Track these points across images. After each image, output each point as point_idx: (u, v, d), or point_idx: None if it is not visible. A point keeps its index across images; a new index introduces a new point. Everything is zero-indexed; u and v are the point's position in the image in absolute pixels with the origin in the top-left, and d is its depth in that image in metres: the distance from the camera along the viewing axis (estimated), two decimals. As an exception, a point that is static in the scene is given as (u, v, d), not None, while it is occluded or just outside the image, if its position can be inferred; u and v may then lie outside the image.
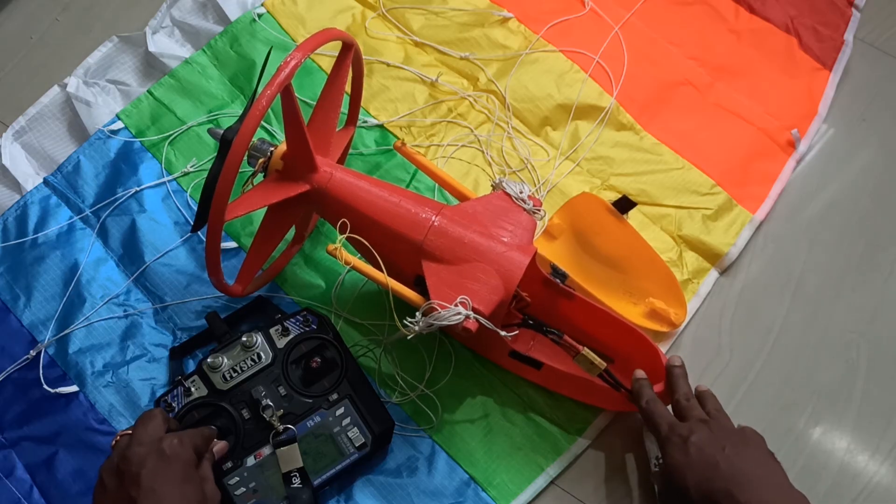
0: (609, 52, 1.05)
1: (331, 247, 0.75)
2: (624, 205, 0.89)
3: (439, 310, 0.70)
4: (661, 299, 0.87)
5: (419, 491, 0.81)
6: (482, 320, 0.70)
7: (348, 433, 0.77)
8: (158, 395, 0.83)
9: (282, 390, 0.78)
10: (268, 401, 0.77)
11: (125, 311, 0.88)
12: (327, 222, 0.85)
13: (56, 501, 0.80)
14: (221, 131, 0.77)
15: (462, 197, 0.83)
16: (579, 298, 0.82)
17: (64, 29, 1.09)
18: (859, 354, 0.89)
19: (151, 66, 1.03)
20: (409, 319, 0.72)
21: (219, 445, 0.74)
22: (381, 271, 0.74)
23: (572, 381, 0.81)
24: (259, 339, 0.80)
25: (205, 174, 0.93)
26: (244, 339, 0.79)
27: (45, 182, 0.95)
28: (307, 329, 0.81)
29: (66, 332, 0.87)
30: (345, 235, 0.75)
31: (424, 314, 0.71)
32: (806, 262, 0.95)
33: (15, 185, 0.95)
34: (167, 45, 1.04)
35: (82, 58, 1.02)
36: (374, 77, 1.02)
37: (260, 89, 0.71)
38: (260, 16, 1.04)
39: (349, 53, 0.80)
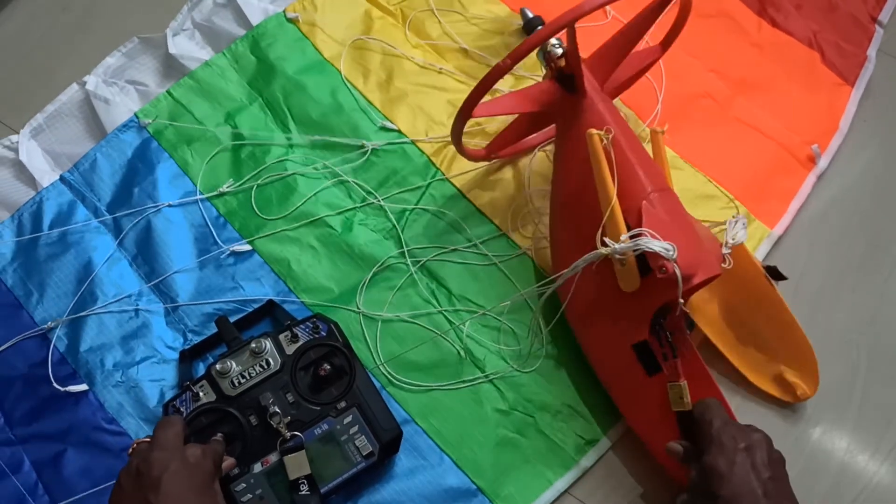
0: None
1: (592, 130, 0.77)
2: (774, 273, 0.87)
3: (649, 237, 0.71)
4: (794, 370, 0.85)
5: (426, 501, 0.80)
6: (678, 271, 0.71)
7: (356, 441, 0.77)
8: (167, 396, 0.83)
9: (290, 397, 0.78)
10: (275, 408, 0.77)
11: (137, 310, 0.88)
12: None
13: (60, 498, 0.80)
14: (531, 14, 0.88)
15: None
16: (694, 351, 0.80)
17: (64, 29, 1.09)
18: (859, 354, 0.89)
19: (171, 67, 1.03)
20: (609, 241, 0.73)
21: (227, 462, 0.73)
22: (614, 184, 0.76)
23: (659, 416, 0.79)
24: (268, 344, 0.79)
25: (237, 195, 0.95)
26: (253, 344, 0.79)
27: (62, 179, 0.95)
28: (316, 336, 0.80)
29: (79, 315, 0.87)
30: (612, 134, 0.77)
31: (632, 238, 0.72)
32: (806, 262, 0.95)
33: (31, 181, 0.95)
34: (187, 47, 1.04)
35: (82, 58, 1.03)
36: (393, 82, 1.02)
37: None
38: (289, 19, 1.05)
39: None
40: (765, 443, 0.70)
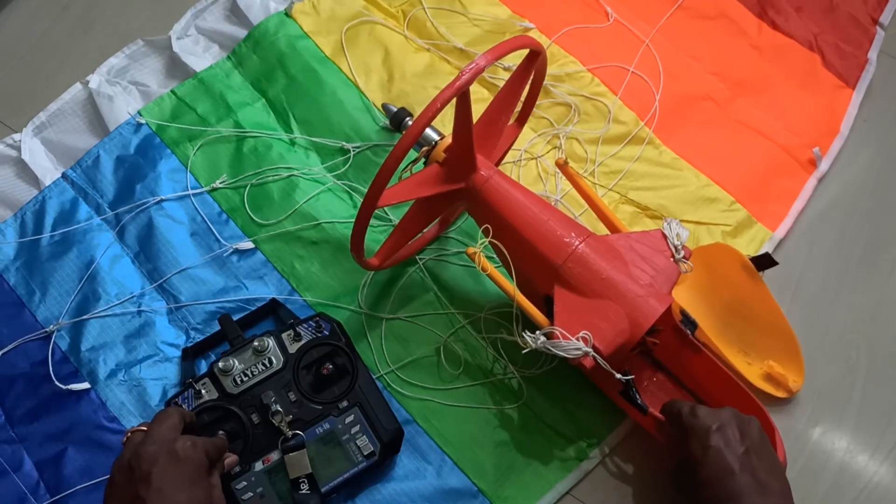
0: (632, 64, 1.05)
1: (471, 249, 0.76)
2: (764, 262, 0.87)
3: (560, 338, 0.70)
4: (780, 363, 0.85)
5: (426, 501, 0.80)
6: (600, 360, 0.70)
7: (357, 441, 0.77)
8: (170, 394, 0.83)
9: (292, 396, 0.78)
10: (277, 406, 0.77)
11: (139, 309, 0.88)
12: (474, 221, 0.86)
13: (61, 497, 0.80)
14: (395, 109, 0.78)
15: (614, 229, 0.83)
16: (705, 354, 0.80)
17: (64, 29, 1.09)
18: (859, 354, 0.89)
19: (174, 69, 1.03)
20: (529, 334, 0.72)
21: (230, 459, 0.73)
22: (513, 282, 0.75)
23: None
24: (271, 343, 0.80)
25: (238, 190, 0.95)
26: (256, 343, 0.79)
27: (64, 177, 0.95)
28: (319, 335, 0.81)
29: (81, 318, 0.87)
30: (486, 241, 0.76)
31: (546, 336, 0.71)
32: (806, 262, 0.95)
33: (34, 179, 0.96)
34: (191, 49, 1.04)
35: (82, 58, 1.03)
36: (394, 82, 1.02)
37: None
38: (288, 14, 1.05)
39: (536, 60, 0.80)
40: (734, 418, 0.71)
